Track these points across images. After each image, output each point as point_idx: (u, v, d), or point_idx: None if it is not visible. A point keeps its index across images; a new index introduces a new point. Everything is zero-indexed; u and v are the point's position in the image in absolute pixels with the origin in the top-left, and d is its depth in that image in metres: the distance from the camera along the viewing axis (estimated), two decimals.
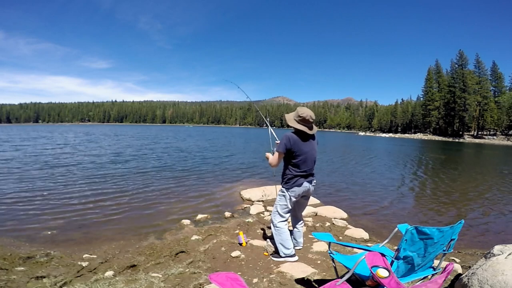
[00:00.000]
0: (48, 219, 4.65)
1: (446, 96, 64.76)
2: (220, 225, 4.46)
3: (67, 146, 18.77)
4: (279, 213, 3.06)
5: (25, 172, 8.74)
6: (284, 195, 3.02)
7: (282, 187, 3.05)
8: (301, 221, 3.42)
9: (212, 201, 6.06)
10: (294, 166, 2.94)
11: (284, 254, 3.06)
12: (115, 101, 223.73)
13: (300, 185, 2.96)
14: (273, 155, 3.06)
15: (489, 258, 2.48)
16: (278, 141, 3.13)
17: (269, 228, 4.22)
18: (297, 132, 2.95)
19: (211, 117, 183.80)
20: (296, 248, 3.35)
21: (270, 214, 4.95)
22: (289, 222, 3.54)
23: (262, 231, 4.13)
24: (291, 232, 3.38)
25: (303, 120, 2.91)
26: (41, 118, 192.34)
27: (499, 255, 2.43)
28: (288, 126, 3.02)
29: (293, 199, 3.01)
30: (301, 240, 3.44)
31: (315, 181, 3.14)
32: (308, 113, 2.92)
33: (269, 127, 3.99)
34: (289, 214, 3.14)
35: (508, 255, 2.29)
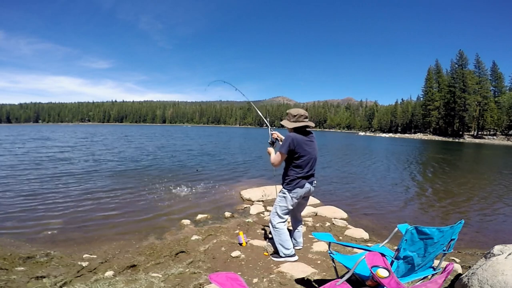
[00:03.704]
0: (48, 219, 4.65)
1: (446, 96, 64.76)
2: (220, 225, 4.45)
3: (69, 146, 18.77)
4: (278, 214, 3.04)
5: (26, 172, 8.74)
6: (285, 197, 2.99)
7: (284, 188, 3.01)
8: (301, 222, 3.42)
9: (212, 201, 6.06)
10: (297, 167, 2.91)
11: (284, 254, 3.06)
12: (115, 101, 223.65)
13: (302, 187, 2.94)
14: (275, 153, 3.05)
15: (489, 258, 2.49)
16: (276, 138, 3.14)
17: (269, 226, 4.23)
18: (299, 132, 2.94)
19: (211, 117, 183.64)
20: (296, 248, 3.34)
21: (270, 214, 4.95)
22: (288, 222, 3.54)
23: (262, 231, 4.14)
24: (290, 232, 3.38)
25: (300, 117, 2.94)
26: (41, 118, 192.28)
27: (499, 255, 2.43)
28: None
29: (295, 200, 2.99)
30: (300, 240, 3.44)
31: (315, 182, 3.13)
32: (299, 110, 2.99)
33: (269, 127, 3.98)
34: (288, 215, 3.13)
35: (508, 255, 2.29)
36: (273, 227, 3.07)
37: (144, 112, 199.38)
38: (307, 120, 2.99)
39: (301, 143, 2.88)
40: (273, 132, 3.45)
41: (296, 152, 2.87)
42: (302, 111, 2.97)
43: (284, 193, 2.99)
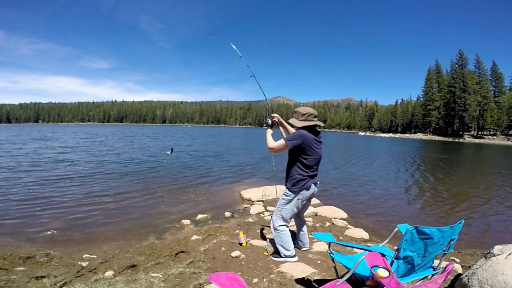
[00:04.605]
0: (48, 219, 4.65)
1: (446, 96, 64.77)
2: (220, 225, 4.45)
3: (70, 147, 18.77)
4: (283, 218, 2.97)
5: (27, 173, 8.73)
6: (290, 200, 2.90)
7: (290, 190, 2.90)
8: (304, 222, 3.41)
9: (212, 201, 6.06)
10: (305, 166, 2.83)
11: (285, 255, 3.05)
12: (115, 101, 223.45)
13: (308, 188, 2.87)
14: (273, 139, 2.95)
15: (489, 258, 2.49)
16: (277, 122, 3.13)
17: (270, 227, 4.22)
18: (308, 131, 2.86)
19: (211, 117, 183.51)
20: (302, 249, 3.34)
21: (270, 214, 4.94)
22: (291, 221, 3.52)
23: (262, 231, 4.13)
24: (295, 233, 3.37)
25: (309, 116, 2.87)
26: (41, 118, 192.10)
27: (499, 255, 2.43)
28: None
29: (300, 203, 2.93)
30: (306, 241, 3.42)
31: (318, 182, 3.07)
32: (309, 108, 2.92)
33: (268, 108, 3.89)
34: (292, 218, 3.10)
35: (508, 255, 2.29)
36: (275, 229, 3.01)
37: (144, 112, 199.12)
38: (316, 119, 2.91)
39: (311, 142, 2.80)
40: (275, 115, 3.26)
41: (305, 151, 2.79)
42: (311, 110, 2.88)
43: (289, 196, 2.90)
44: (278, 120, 3.28)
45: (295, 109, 2.96)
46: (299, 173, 2.84)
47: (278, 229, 2.99)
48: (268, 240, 3.57)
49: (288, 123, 3.13)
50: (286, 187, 2.96)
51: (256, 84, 4.06)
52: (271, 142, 2.93)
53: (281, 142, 2.84)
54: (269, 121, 3.23)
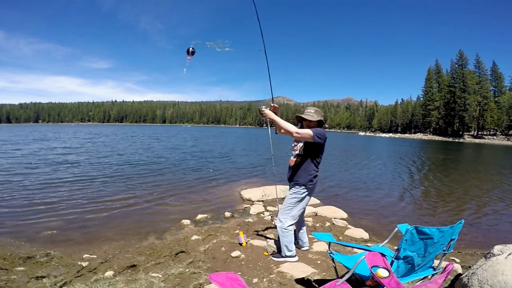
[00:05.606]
0: (48, 219, 4.65)
1: (446, 96, 64.80)
2: (220, 225, 4.45)
3: (72, 148, 18.77)
4: (293, 217, 2.96)
5: (27, 173, 8.73)
6: (303, 197, 2.91)
7: (305, 186, 2.88)
8: (304, 222, 3.43)
9: (212, 201, 6.06)
10: (317, 164, 2.93)
11: (286, 255, 3.05)
12: (115, 101, 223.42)
13: (316, 186, 2.99)
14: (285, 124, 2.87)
15: (489, 258, 2.49)
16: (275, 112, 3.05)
17: (270, 228, 4.22)
18: None
19: (211, 117, 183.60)
20: (302, 249, 3.35)
21: (270, 214, 4.95)
22: None
23: (262, 231, 4.13)
24: (295, 233, 3.38)
25: (323, 116, 2.97)
26: (41, 118, 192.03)
27: (499, 255, 2.43)
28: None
29: (309, 199, 3.00)
30: (306, 240, 3.43)
31: None
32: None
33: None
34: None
35: (508, 255, 2.29)
36: (284, 228, 2.96)
37: (144, 112, 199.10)
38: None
39: (325, 143, 2.89)
40: (275, 105, 3.09)
41: (321, 149, 2.88)
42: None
43: (302, 193, 2.90)
44: (274, 110, 3.10)
45: (310, 109, 2.96)
46: (314, 169, 2.91)
47: (286, 228, 2.96)
48: (268, 240, 3.58)
49: (292, 122, 3.16)
50: (299, 184, 2.89)
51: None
52: (292, 127, 2.78)
53: (309, 132, 2.73)
54: (265, 107, 3.06)
